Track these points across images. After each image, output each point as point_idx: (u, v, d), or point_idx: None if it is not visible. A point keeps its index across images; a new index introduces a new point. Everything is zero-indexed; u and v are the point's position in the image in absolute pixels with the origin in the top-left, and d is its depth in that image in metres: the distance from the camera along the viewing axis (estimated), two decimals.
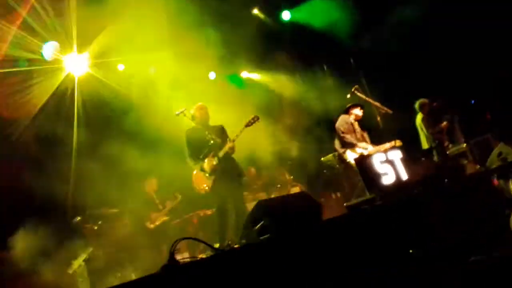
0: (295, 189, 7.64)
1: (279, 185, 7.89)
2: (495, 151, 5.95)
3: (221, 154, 5.25)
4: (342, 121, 6.25)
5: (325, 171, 7.84)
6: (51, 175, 6.26)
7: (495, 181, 4.28)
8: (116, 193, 6.37)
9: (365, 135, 6.33)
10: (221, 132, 5.52)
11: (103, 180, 6.51)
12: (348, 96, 6.21)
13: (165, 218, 6.90)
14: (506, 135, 6.63)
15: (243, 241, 3.61)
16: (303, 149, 8.63)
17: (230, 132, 5.57)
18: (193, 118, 5.45)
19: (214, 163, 5.23)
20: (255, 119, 5.45)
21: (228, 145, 5.27)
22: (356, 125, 6.32)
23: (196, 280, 2.73)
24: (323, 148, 7.79)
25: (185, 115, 5.43)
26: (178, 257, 6.29)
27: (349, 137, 6.06)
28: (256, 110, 7.94)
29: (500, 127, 7.30)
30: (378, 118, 6.14)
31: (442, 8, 8.05)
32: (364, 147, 5.95)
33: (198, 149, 5.34)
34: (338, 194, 7.63)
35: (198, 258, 3.39)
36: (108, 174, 6.68)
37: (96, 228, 5.53)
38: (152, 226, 6.73)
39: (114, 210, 6.11)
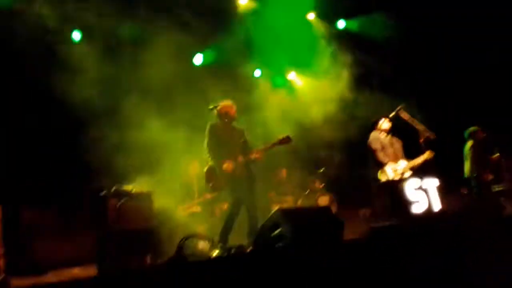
0: (324, 199, 7.46)
1: (308, 192, 7.71)
2: None
3: (245, 159, 5.14)
4: (372, 139, 5.92)
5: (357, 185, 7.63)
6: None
7: None
8: (150, 171, 6.30)
9: (399, 147, 5.95)
10: (243, 136, 5.41)
11: (142, 153, 6.52)
12: (392, 115, 5.91)
13: (197, 209, 6.80)
14: None
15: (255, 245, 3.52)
16: (341, 161, 8.43)
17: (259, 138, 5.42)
18: (223, 115, 5.34)
19: (235, 166, 5.12)
20: (287, 141, 5.24)
21: (256, 155, 5.15)
22: (387, 139, 5.93)
23: (201, 279, 2.68)
24: (362, 162, 7.56)
25: (217, 111, 5.36)
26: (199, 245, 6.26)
27: (380, 156, 5.74)
28: (296, 116, 7.88)
29: None
30: (421, 140, 5.82)
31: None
32: (394, 169, 5.62)
33: (222, 146, 5.23)
34: (368, 212, 7.39)
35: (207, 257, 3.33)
36: (146, 149, 6.68)
37: (118, 205, 5.47)
38: (183, 212, 6.66)
39: (143, 190, 6.08)
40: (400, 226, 3.88)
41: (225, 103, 5.46)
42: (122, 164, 6.21)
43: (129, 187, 5.73)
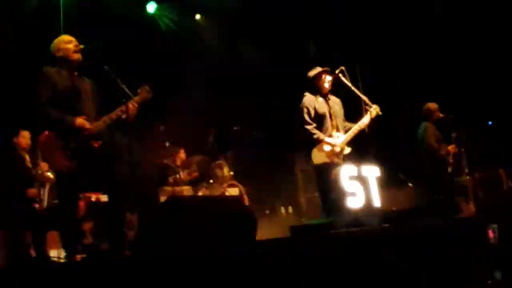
0: (233, 191, 7.59)
1: (211, 181, 7.81)
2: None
3: (106, 120, 4.83)
4: (303, 106, 5.79)
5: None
6: None
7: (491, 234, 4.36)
8: None
9: (338, 109, 5.91)
10: (94, 90, 5.10)
11: None
12: (330, 78, 5.94)
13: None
14: None
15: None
16: (260, 140, 8.66)
17: None
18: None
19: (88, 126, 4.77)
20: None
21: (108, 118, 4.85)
22: (324, 104, 5.82)
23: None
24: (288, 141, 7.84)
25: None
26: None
27: (313, 131, 5.61)
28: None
29: None
30: (364, 114, 6.00)
31: None
32: (329, 147, 5.54)
33: (66, 99, 4.77)
34: (290, 209, 7.71)
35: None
36: None
37: None
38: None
39: None
40: (330, 225, 4.10)
41: (65, 37, 4.93)
42: None
43: None
